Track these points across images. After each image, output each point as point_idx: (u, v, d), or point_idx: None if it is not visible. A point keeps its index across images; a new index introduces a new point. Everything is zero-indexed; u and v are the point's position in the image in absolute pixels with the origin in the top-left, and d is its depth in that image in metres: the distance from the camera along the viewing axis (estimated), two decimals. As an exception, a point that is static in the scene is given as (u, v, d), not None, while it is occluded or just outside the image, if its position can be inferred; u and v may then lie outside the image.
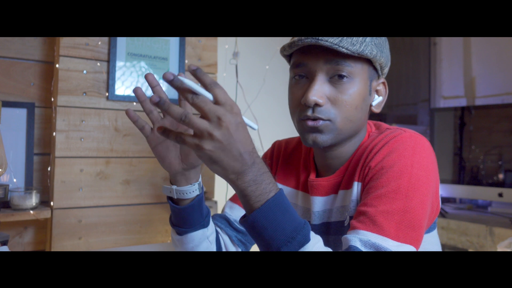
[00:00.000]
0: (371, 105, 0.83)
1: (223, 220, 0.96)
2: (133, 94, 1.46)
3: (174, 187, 0.81)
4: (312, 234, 0.64)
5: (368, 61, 0.79)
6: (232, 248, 0.94)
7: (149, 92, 1.51)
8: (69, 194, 1.37)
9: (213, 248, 0.89)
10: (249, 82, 1.92)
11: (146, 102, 0.77)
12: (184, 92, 0.58)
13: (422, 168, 0.73)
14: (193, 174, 0.81)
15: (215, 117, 0.57)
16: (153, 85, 0.76)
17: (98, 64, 1.42)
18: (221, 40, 1.81)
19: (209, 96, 0.58)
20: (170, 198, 0.84)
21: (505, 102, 2.03)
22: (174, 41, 1.55)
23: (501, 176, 1.88)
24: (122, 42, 1.45)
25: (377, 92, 0.84)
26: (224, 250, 0.93)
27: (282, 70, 1.93)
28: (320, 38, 0.73)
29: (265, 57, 1.94)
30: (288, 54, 0.83)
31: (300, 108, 0.79)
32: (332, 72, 0.76)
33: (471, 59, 2.26)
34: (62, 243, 1.36)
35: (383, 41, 0.80)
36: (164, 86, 1.51)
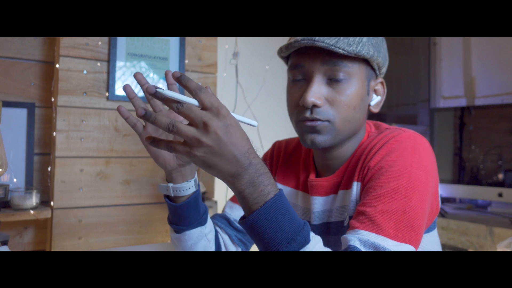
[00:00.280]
0: (369, 105, 0.83)
1: (223, 219, 0.96)
2: (133, 94, 1.46)
3: (171, 184, 0.81)
4: (312, 234, 0.64)
5: (366, 61, 0.79)
6: (232, 247, 0.94)
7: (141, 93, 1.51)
8: (69, 194, 1.37)
9: (211, 246, 0.89)
10: (249, 82, 1.92)
11: (135, 99, 0.77)
12: (169, 102, 0.58)
13: (421, 168, 0.73)
14: (189, 170, 0.82)
15: (201, 122, 0.57)
16: (142, 84, 0.76)
17: (98, 64, 1.42)
18: (221, 40, 1.81)
19: (194, 102, 0.58)
20: (167, 196, 0.84)
21: (505, 102, 2.03)
22: (174, 41, 1.55)
23: (501, 176, 1.88)
24: (122, 42, 1.45)
25: (375, 92, 0.84)
26: (224, 249, 0.93)
27: (282, 70, 1.93)
28: (316, 39, 0.73)
29: (265, 57, 1.94)
30: (286, 55, 0.83)
31: (298, 109, 0.79)
32: (329, 72, 0.76)
33: (471, 59, 2.26)
34: (62, 243, 1.36)
35: (380, 41, 0.80)
36: (162, 84, 1.50)
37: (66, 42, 1.37)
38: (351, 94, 0.77)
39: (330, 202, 0.83)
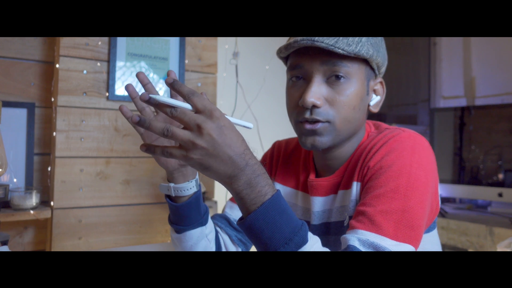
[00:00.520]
0: (369, 105, 0.83)
1: (223, 219, 0.96)
2: (133, 94, 1.46)
3: (172, 184, 0.81)
4: (310, 235, 0.64)
5: (365, 61, 0.79)
6: (232, 247, 0.94)
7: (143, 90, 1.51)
8: (69, 194, 1.37)
9: (212, 246, 0.89)
10: (249, 82, 1.92)
11: (137, 99, 0.78)
12: (162, 107, 0.59)
13: (421, 168, 0.73)
14: (190, 171, 0.82)
15: (195, 125, 0.57)
16: (144, 83, 0.77)
17: (98, 64, 1.42)
18: (221, 40, 1.81)
19: (188, 106, 0.59)
20: (168, 196, 0.84)
21: (505, 102, 2.03)
22: (174, 41, 1.55)
23: (501, 176, 1.88)
24: (122, 42, 1.45)
25: (375, 91, 0.84)
26: (224, 249, 0.93)
27: (282, 70, 1.92)
28: (316, 39, 0.72)
29: (265, 57, 1.94)
30: (285, 56, 0.83)
31: (297, 110, 0.79)
32: (329, 73, 0.76)
33: (471, 59, 2.26)
34: (62, 243, 1.36)
35: (379, 41, 0.80)
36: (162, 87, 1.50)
37: (66, 42, 1.37)
38: (350, 94, 0.77)
39: (330, 202, 0.83)
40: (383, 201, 0.69)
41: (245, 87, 1.90)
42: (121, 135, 1.46)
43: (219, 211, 1.54)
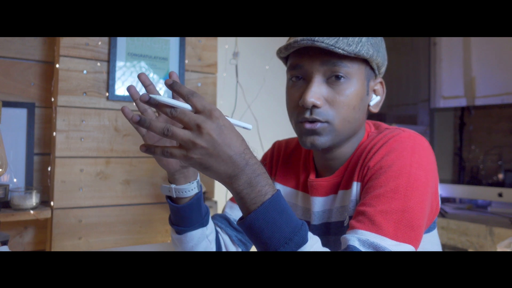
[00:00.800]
0: (369, 105, 0.83)
1: (223, 220, 0.96)
2: (133, 94, 1.46)
3: (173, 186, 0.81)
4: (310, 234, 0.64)
5: (365, 61, 0.79)
6: (232, 247, 0.94)
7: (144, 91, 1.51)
8: (69, 194, 1.37)
9: (212, 247, 0.89)
10: (249, 82, 1.92)
11: (139, 101, 0.78)
12: (162, 108, 0.59)
13: (421, 168, 0.73)
14: (192, 172, 0.82)
15: (195, 125, 0.58)
16: (146, 85, 0.77)
17: (98, 64, 1.42)
18: (221, 40, 1.81)
19: (187, 107, 0.60)
20: (169, 197, 0.84)
21: (505, 102, 2.03)
22: (174, 41, 1.55)
23: (501, 176, 1.88)
24: (122, 42, 1.45)
25: (374, 92, 0.84)
26: (224, 249, 0.93)
27: (282, 70, 1.92)
28: (316, 39, 0.72)
29: (265, 57, 1.94)
30: (285, 56, 0.83)
31: (298, 110, 0.79)
32: (329, 73, 0.76)
33: (471, 59, 2.26)
34: (62, 243, 1.36)
35: (379, 41, 0.80)
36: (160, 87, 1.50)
37: (66, 42, 1.37)
38: (350, 94, 0.77)
39: (330, 202, 0.83)
40: (383, 201, 0.69)
41: (245, 87, 1.90)
42: (121, 135, 1.46)
43: (219, 211, 1.54)
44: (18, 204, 1.26)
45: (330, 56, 0.75)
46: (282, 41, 1.43)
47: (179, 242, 0.87)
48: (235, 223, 0.94)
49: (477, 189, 1.93)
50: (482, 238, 1.63)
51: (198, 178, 0.84)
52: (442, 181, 2.02)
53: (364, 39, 0.76)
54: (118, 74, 1.45)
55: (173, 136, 0.58)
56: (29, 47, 1.40)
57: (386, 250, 0.64)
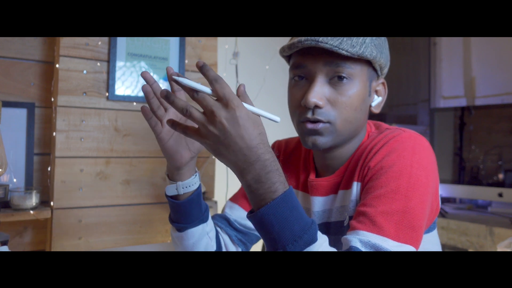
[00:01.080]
0: (370, 106, 0.83)
1: (223, 220, 0.96)
2: (133, 94, 1.46)
3: (179, 182, 0.82)
4: (319, 234, 0.64)
5: (368, 62, 0.79)
6: (232, 247, 0.94)
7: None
8: (69, 194, 1.37)
9: (213, 244, 0.89)
10: (249, 82, 1.92)
11: (154, 99, 0.78)
12: (186, 89, 0.61)
13: (422, 168, 0.73)
14: (193, 164, 0.83)
15: (209, 111, 0.59)
16: (151, 83, 0.77)
17: (98, 64, 1.42)
18: (221, 40, 1.81)
19: (209, 91, 0.61)
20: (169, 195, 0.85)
21: (505, 102, 2.03)
22: (174, 41, 1.55)
23: (501, 176, 1.88)
24: (122, 42, 1.45)
25: (376, 92, 0.84)
26: (224, 249, 0.93)
27: (282, 70, 1.92)
28: (320, 40, 0.72)
29: (265, 57, 1.94)
30: (288, 55, 0.83)
31: (300, 110, 0.79)
32: (331, 73, 0.76)
33: (471, 59, 2.26)
34: (62, 243, 1.36)
35: (382, 42, 0.80)
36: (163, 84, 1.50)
37: (66, 42, 1.37)
38: (353, 95, 0.77)
39: (330, 202, 0.83)
40: (384, 201, 0.69)
41: (245, 87, 1.90)
42: (121, 135, 1.46)
43: (219, 211, 1.54)
44: (18, 204, 1.26)
45: (334, 57, 0.75)
46: (282, 41, 1.43)
47: (179, 240, 0.87)
48: (235, 223, 0.94)
49: (477, 189, 1.93)
50: (482, 238, 1.63)
51: (197, 170, 0.85)
52: (442, 181, 2.02)
53: (368, 40, 0.76)
54: (118, 74, 1.45)
55: (191, 117, 0.60)
56: (29, 47, 1.40)
57: (387, 251, 0.64)
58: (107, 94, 1.43)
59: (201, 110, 0.61)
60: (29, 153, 1.37)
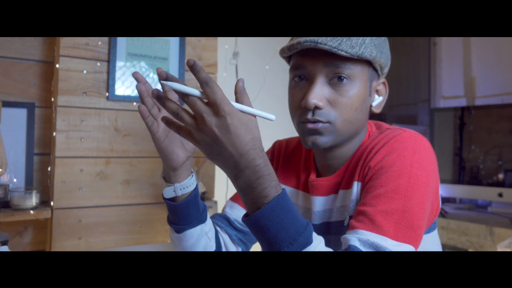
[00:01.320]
0: (371, 106, 0.83)
1: (223, 219, 0.96)
2: (133, 94, 1.46)
3: (177, 184, 0.81)
4: (314, 235, 0.64)
5: (368, 62, 0.79)
6: (232, 247, 0.94)
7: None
8: (69, 194, 1.37)
9: (212, 244, 0.89)
10: (249, 82, 1.91)
11: (148, 98, 0.78)
12: (177, 91, 0.60)
13: (422, 168, 0.73)
14: (189, 164, 0.83)
15: (200, 117, 0.58)
16: (143, 83, 0.76)
17: (98, 64, 1.42)
18: (221, 40, 1.81)
19: (197, 93, 0.60)
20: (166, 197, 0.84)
21: (505, 102, 2.03)
22: (174, 41, 1.55)
23: (501, 176, 1.88)
24: (122, 42, 1.45)
25: (377, 92, 0.84)
26: (224, 249, 0.93)
27: (282, 70, 1.92)
28: (319, 41, 0.72)
29: (265, 57, 1.94)
30: (287, 56, 0.83)
31: (300, 110, 0.79)
32: (331, 74, 0.76)
33: (471, 59, 2.26)
34: (62, 243, 1.36)
35: (382, 41, 0.80)
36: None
37: (66, 42, 1.37)
38: (353, 96, 0.77)
39: (331, 202, 0.83)
40: (384, 201, 0.69)
41: (245, 87, 1.90)
42: (121, 135, 1.46)
43: (219, 211, 1.54)
44: (18, 204, 1.26)
45: (333, 58, 0.75)
46: (282, 41, 1.43)
47: (178, 241, 0.87)
48: (236, 222, 0.94)
49: (477, 189, 1.93)
50: (482, 238, 1.63)
51: (193, 171, 0.85)
52: (442, 181, 2.02)
53: (367, 40, 0.76)
54: (118, 74, 1.45)
55: (181, 120, 0.60)
56: (29, 47, 1.40)
57: (386, 250, 0.64)
58: (107, 94, 1.43)
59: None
60: (29, 153, 1.37)
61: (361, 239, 0.66)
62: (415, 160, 0.73)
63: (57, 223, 1.35)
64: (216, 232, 0.92)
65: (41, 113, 1.41)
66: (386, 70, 0.83)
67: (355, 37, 0.75)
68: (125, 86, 1.46)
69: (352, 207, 0.78)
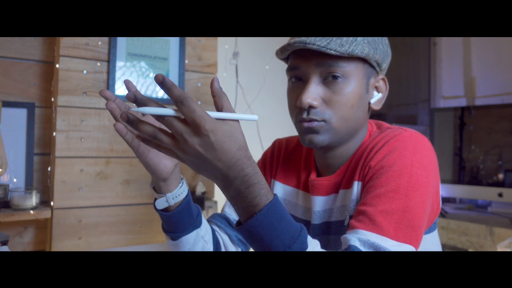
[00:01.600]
0: (370, 103, 0.83)
1: (222, 219, 0.95)
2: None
3: (169, 194, 0.79)
4: (309, 239, 0.63)
5: (363, 60, 0.79)
6: (232, 247, 0.94)
7: (148, 94, 1.52)
8: (69, 194, 1.37)
9: (209, 247, 0.89)
10: (249, 82, 1.92)
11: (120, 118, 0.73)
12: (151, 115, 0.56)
13: (422, 168, 0.73)
14: (178, 171, 0.80)
15: (181, 138, 0.55)
16: (112, 100, 0.72)
17: (98, 64, 1.42)
18: (221, 40, 1.81)
19: (172, 113, 0.55)
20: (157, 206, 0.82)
21: (505, 102, 2.03)
22: (174, 41, 1.55)
23: (501, 176, 1.88)
24: (122, 42, 1.45)
25: (376, 88, 0.84)
26: (223, 249, 0.93)
27: (282, 70, 1.92)
28: (308, 42, 0.73)
29: (265, 57, 1.94)
30: (283, 58, 0.84)
31: (297, 110, 0.79)
32: (325, 73, 0.77)
33: (471, 59, 2.26)
34: (62, 243, 1.36)
35: (378, 37, 0.80)
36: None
37: (66, 42, 1.37)
38: (348, 94, 0.77)
39: (331, 201, 0.83)
40: (384, 201, 0.69)
41: (245, 87, 1.90)
42: (121, 135, 1.46)
43: (219, 211, 1.54)
44: (18, 204, 1.26)
45: (325, 57, 0.76)
46: (282, 41, 1.43)
47: (175, 248, 0.86)
48: (235, 223, 0.94)
49: (477, 189, 1.92)
50: (482, 238, 1.63)
51: (183, 177, 0.83)
52: (442, 181, 2.02)
53: (360, 37, 0.76)
54: (118, 74, 1.45)
55: (161, 143, 0.56)
56: (29, 47, 1.40)
57: (386, 251, 0.64)
58: (107, 94, 1.43)
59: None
60: (29, 153, 1.37)
61: (361, 239, 0.66)
62: (415, 159, 0.73)
63: (57, 223, 1.35)
64: (214, 232, 0.92)
65: (41, 113, 1.41)
66: (384, 66, 0.83)
67: (352, 37, 0.75)
68: (125, 86, 1.46)
69: (352, 206, 0.78)
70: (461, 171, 2.01)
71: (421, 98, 2.56)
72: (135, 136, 0.62)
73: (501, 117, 1.92)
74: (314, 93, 0.76)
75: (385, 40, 0.83)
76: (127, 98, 0.56)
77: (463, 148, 2.01)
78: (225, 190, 0.60)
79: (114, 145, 1.45)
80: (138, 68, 1.48)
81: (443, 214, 1.84)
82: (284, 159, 0.97)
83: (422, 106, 2.56)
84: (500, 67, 2.12)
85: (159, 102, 0.57)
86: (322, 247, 0.66)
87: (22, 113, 1.37)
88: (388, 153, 0.75)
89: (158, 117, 0.55)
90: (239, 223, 0.63)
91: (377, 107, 0.84)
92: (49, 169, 1.41)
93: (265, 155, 1.01)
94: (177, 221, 0.81)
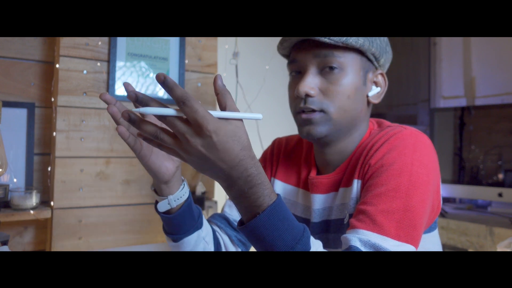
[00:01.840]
0: (368, 96, 0.84)
1: (222, 219, 0.95)
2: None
3: (170, 196, 0.78)
4: (312, 240, 0.63)
5: (360, 52, 0.80)
6: (232, 248, 0.94)
7: (149, 93, 1.51)
8: (69, 194, 1.37)
9: (210, 248, 0.89)
10: (249, 82, 1.92)
11: (123, 119, 0.72)
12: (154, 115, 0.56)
13: (423, 166, 0.72)
14: (179, 173, 0.80)
15: (183, 138, 0.55)
16: (113, 103, 0.71)
17: (98, 64, 1.42)
18: (221, 40, 1.81)
19: (174, 113, 0.55)
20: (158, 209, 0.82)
21: (505, 102, 2.03)
22: (174, 41, 1.55)
23: (501, 176, 1.88)
24: (122, 42, 1.45)
25: (376, 83, 0.85)
26: (223, 249, 0.93)
27: (282, 70, 1.92)
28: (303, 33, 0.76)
29: (265, 57, 1.94)
30: (283, 53, 0.87)
31: (295, 102, 0.81)
32: (322, 64, 0.79)
33: (471, 59, 2.26)
34: (62, 243, 1.36)
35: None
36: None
37: (66, 42, 1.37)
38: (344, 84, 0.79)
39: (331, 199, 0.83)
40: (384, 200, 0.69)
41: (245, 87, 1.90)
42: (121, 135, 1.46)
43: (219, 211, 1.54)
44: (18, 204, 1.26)
45: (321, 48, 0.78)
46: (282, 41, 1.43)
47: (176, 249, 0.86)
48: (235, 223, 0.94)
49: (477, 189, 1.92)
50: (482, 238, 1.62)
51: (184, 179, 0.82)
52: (442, 181, 2.02)
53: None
54: (118, 74, 1.45)
55: (163, 142, 0.56)
56: (29, 47, 1.40)
57: (387, 251, 0.64)
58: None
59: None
60: (29, 153, 1.37)
61: (362, 239, 0.65)
62: (415, 158, 0.73)
63: (57, 223, 1.35)
64: (215, 232, 0.92)
65: (41, 113, 1.41)
66: (382, 61, 0.84)
67: (352, 37, 0.77)
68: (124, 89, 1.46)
69: (352, 205, 0.78)
70: (461, 171, 2.01)
71: (421, 98, 2.56)
72: (136, 134, 0.61)
73: (501, 117, 1.92)
74: (311, 83, 0.79)
75: (384, 38, 0.84)
76: (129, 97, 0.56)
77: (463, 148, 2.01)
78: (228, 189, 0.60)
79: (114, 145, 1.45)
80: (138, 68, 1.48)
81: (443, 214, 1.84)
82: (284, 157, 0.97)
83: (422, 106, 2.56)
84: (500, 67, 2.12)
85: (160, 102, 0.57)
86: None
87: (22, 113, 1.37)
88: (388, 151, 0.75)
89: (160, 117, 0.55)
90: (241, 222, 0.63)
91: (375, 100, 0.85)
92: (49, 169, 1.41)
93: (265, 153, 1.01)
94: (179, 223, 0.81)
